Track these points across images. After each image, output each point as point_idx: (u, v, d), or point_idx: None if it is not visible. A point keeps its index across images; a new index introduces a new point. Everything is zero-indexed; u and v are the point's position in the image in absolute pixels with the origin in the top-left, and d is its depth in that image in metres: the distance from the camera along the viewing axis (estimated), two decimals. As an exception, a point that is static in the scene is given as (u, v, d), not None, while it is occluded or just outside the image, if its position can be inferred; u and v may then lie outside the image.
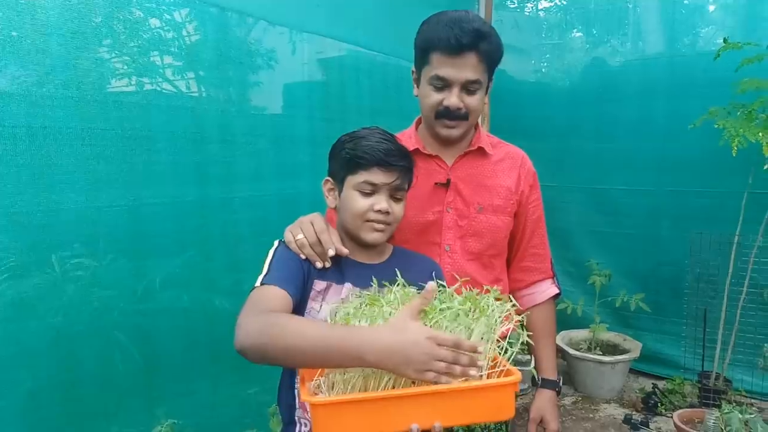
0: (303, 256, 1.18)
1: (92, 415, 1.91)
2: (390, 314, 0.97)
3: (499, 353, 1.02)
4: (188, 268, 2.21)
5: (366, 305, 1.02)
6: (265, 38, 2.47)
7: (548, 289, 1.62)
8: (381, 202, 1.17)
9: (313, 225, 1.19)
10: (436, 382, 0.91)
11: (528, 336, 1.60)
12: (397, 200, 1.21)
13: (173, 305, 2.17)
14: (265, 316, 1.01)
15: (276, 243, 1.22)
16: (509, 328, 1.04)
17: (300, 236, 1.18)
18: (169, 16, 2.11)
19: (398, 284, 1.09)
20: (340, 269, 1.22)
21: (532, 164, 1.58)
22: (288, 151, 2.57)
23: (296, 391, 1.20)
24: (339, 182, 1.23)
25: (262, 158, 2.46)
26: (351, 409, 0.90)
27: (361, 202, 1.17)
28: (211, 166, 2.22)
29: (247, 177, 2.40)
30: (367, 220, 1.18)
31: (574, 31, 3.98)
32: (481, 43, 1.31)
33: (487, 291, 1.04)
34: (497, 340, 1.00)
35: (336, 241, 1.19)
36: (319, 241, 1.17)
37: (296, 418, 1.21)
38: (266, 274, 1.14)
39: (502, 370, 0.99)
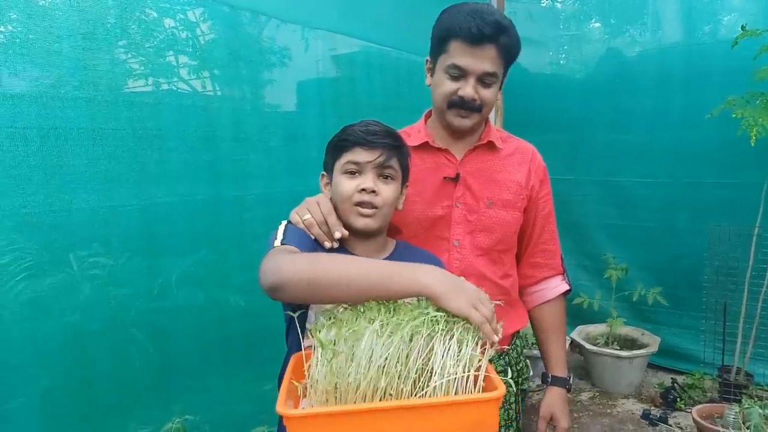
0: (311, 236, 1.17)
1: (109, 412, 1.93)
2: (384, 320, 0.93)
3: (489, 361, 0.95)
4: (202, 266, 2.23)
5: (361, 311, 0.98)
6: (277, 36, 2.47)
7: (558, 285, 1.60)
8: (367, 181, 1.16)
9: (319, 205, 1.19)
10: (476, 326, 0.91)
11: (537, 333, 1.61)
12: (385, 180, 1.19)
13: (188, 303, 2.19)
14: (303, 255, 1.03)
15: (283, 223, 1.20)
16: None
17: (307, 216, 1.17)
18: (182, 15, 2.12)
19: None
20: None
21: (542, 159, 1.55)
22: (300, 149, 2.57)
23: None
24: (329, 172, 1.23)
25: (275, 156, 2.47)
26: (325, 423, 0.85)
27: (347, 184, 1.17)
28: (223, 164, 2.23)
29: (259, 175, 2.41)
30: (356, 204, 1.16)
31: (592, 21, 3.93)
32: (501, 36, 1.30)
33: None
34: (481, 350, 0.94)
35: (339, 223, 1.19)
36: (326, 221, 1.17)
37: None
38: (282, 239, 1.12)
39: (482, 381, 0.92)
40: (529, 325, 1.61)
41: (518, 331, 1.57)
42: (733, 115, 2.64)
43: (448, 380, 0.90)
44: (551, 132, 3.87)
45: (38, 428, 1.72)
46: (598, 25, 3.91)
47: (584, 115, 3.77)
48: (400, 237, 1.37)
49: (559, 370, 1.56)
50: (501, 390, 0.89)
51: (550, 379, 1.56)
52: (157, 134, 1.93)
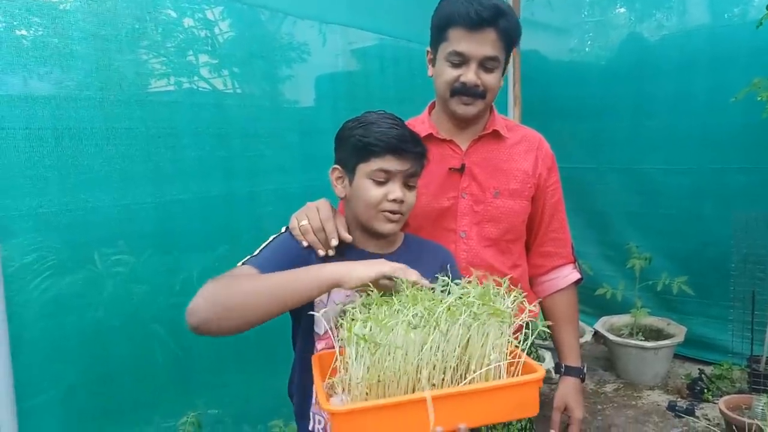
0: (305, 243, 1.16)
1: (133, 406, 1.98)
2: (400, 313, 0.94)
3: (517, 346, 0.99)
4: (223, 262, 2.26)
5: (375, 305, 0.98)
6: (292, 31, 2.49)
7: (570, 274, 1.58)
8: (396, 190, 1.13)
9: (318, 211, 1.18)
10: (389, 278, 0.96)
11: (549, 322, 1.59)
12: (410, 188, 1.18)
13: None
14: (214, 281, 1.04)
15: (282, 229, 1.21)
16: (523, 321, 1.00)
17: (304, 222, 1.16)
18: (199, 14, 2.15)
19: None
20: (344, 260, 1.15)
21: (549, 147, 1.52)
22: (317, 143, 2.58)
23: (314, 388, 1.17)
24: (350, 171, 1.18)
25: (294, 151, 2.49)
26: (372, 416, 0.87)
27: (375, 191, 1.13)
28: (238, 160, 2.25)
29: (275, 170, 2.43)
30: (382, 210, 1.14)
31: (617, 7, 3.85)
32: (500, 19, 1.29)
33: (499, 284, 1.01)
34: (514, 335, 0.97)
35: (341, 228, 1.17)
36: (323, 228, 1.15)
37: (310, 413, 1.19)
38: (254, 255, 1.14)
39: (521, 365, 0.97)
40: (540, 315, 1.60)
41: (529, 323, 1.55)
42: (758, 98, 2.57)
43: (488, 365, 0.93)
44: (572, 120, 3.82)
45: (63, 423, 1.77)
46: (623, 10, 3.83)
47: (606, 102, 3.70)
48: (407, 229, 1.36)
49: (573, 359, 1.54)
50: (541, 372, 0.93)
51: (563, 369, 1.54)
52: (171, 132, 1.96)
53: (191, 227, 2.10)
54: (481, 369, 0.93)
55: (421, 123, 1.46)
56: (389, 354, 0.90)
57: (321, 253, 1.15)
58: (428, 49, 1.42)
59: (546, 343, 3.08)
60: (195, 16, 2.16)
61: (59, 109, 1.64)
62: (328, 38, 2.66)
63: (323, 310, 1.13)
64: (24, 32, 1.70)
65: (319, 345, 1.17)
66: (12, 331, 1.60)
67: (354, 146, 1.15)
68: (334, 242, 1.14)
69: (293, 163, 2.49)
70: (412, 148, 1.14)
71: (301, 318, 1.18)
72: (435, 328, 0.92)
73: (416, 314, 0.93)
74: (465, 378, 0.94)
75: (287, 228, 1.20)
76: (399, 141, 1.12)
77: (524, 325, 1.01)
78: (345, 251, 1.18)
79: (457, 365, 0.93)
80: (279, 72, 2.47)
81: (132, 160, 1.82)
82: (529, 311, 0.99)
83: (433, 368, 0.92)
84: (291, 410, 2.27)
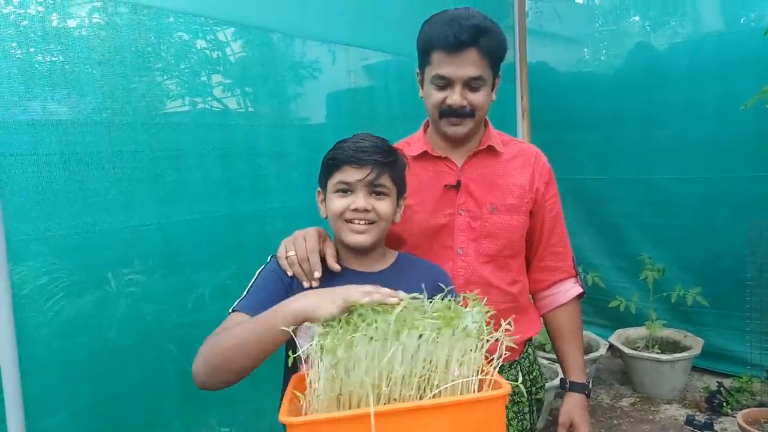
0: (291, 273, 1.18)
1: (147, 424, 1.99)
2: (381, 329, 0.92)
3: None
4: (234, 280, 2.28)
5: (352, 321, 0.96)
6: (301, 51, 2.53)
7: (572, 288, 1.56)
8: (357, 200, 1.15)
9: (306, 241, 1.19)
10: (366, 303, 0.92)
11: (552, 338, 1.58)
12: (379, 196, 1.17)
13: (220, 317, 2.25)
14: (207, 340, 1.08)
15: (269, 258, 1.23)
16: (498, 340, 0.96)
17: (291, 253, 1.18)
18: (212, 36, 2.20)
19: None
20: (332, 282, 1.16)
21: (546, 160, 1.52)
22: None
23: None
24: (324, 190, 1.23)
25: (302, 169, 2.51)
26: (329, 429, 0.86)
27: (338, 203, 1.16)
28: (246, 179, 2.28)
29: (283, 188, 2.45)
30: (347, 220, 1.16)
31: (631, 15, 3.85)
32: (481, 38, 1.29)
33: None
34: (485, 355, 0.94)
35: (330, 257, 1.18)
36: (308, 259, 1.16)
37: None
38: (243, 297, 1.17)
39: (492, 383, 0.93)
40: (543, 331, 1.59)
41: (530, 339, 1.55)
42: (767, 106, 2.54)
43: (453, 384, 0.90)
44: (582, 131, 3.81)
45: (74, 444, 1.79)
46: (637, 18, 3.82)
47: (616, 112, 3.69)
48: (404, 248, 1.37)
49: (578, 375, 1.52)
50: (506, 388, 0.89)
51: (568, 385, 1.52)
52: (175, 154, 2.00)
53: (201, 247, 2.12)
54: (445, 385, 0.90)
55: (416, 141, 1.48)
56: (350, 367, 0.89)
57: (305, 284, 1.17)
58: (417, 70, 1.44)
59: (553, 356, 3.05)
60: (207, 38, 2.21)
61: (68, 134, 1.69)
62: (338, 57, 2.69)
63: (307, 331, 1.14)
64: (40, 58, 1.76)
65: (305, 368, 1.18)
66: (25, 352, 1.63)
67: (324, 165, 1.21)
68: (317, 274, 1.16)
69: (303, 180, 2.51)
70: (368, 157, 1.15)
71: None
72: (394, 341, 0.90)
73: (375, 328, 0.91)
74: (427, 395, 0.91)
75: (273, 256, 1.23)
76: (355, 151, 1.15)
77: (500, 341, 0.95)
78: (336, 273, 1.19)
79: (419, 383, 0.91)
80: (289, 90, 2.50)
81: (138, 181, 1.86)
82: (505, 329, 0.95)
83: (394, 383, 0.90)
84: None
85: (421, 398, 0.91)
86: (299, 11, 2.42)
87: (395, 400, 0.90)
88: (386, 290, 0.95)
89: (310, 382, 0.93)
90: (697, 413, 3.07)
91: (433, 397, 0.90)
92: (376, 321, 0.93)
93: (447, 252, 1.41)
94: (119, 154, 1.81)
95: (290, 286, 1.18)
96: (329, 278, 1.18)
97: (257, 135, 2.37)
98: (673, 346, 3.39)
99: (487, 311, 0.97)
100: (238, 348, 1.01)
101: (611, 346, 3.49)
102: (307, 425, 0.87)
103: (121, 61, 1.85)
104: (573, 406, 1.49)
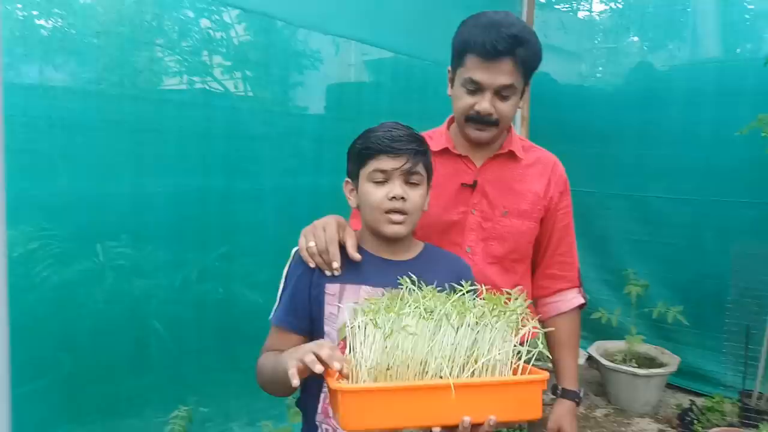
0: (313, 265, 1.19)
1: (127, 398, 1.99)
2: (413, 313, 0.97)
3: (520, 357, 1.00)
4: (223, 262, 2.28)
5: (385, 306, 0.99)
6: (305, 39, 2.53)
7: (574, 298, 1.58)
8: (395, 188, 1.15)
9: (325, 231, 1.19)
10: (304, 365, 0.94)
11: (549, 344, 1.60)
12: (413, 186, 1.18)
13: (206, 299, 2.25)
14: (259, 365, 1.20)
15: (293, 253, 1.24)
16: (529, 333, 1.01)
17: (311, 244, 1.18)
18: (217, 16, 2.20)
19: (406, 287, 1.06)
20: (359, 269, 1.20)
21: (564, 170, 1.54)
22: (323, 149, 2.60)
23: (323, 394, 1.19)
24: (355, 179, 1.22)
25: (299, 155, 2.52)
26: (374, 398, 0.90)
27: (376, 192, 1.16)
28: (248, 161, 2.29)
29: (281, 173, 2.45)
30: (386, 212, 1.16)
31: (629, 35, 3.91)
32: (518, 48, 1.28)
33: (508, 295, 1.03)
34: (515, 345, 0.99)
35: (350, 246, 1.18)
36: (327, 249, 1.17)
37: (317, 423, 1.21)
38: (277, 305, 1.23)
39: (528, 371, 0.99)
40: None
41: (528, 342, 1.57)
42: (763, 134, 2.60)
43: (493, 366, 0.96)
44: (576, 143, 3.82)
45: (56, 410, 1.78)
46: (636, 39, 3.88)
47: (612, 128, 3.74)
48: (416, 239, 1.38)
49: (570, 382, 1.54)
50: (545, 374, 0.96)
51: (560, 392, 1.54)
52: (179, 129, 2.01)
53: (190, 226, 2.12)
54: (487, 368, 0.96)
55: (439, 136, 1.48)
56: (401, 341, 0.93)
57: (327, 273, 1.18)
58: (449, 67, 1.43)
59: (549, 365, 3.08)
60: (212, 18, 2.20)
61: (71, 101, 1.68)
62: (340, 49, 2.70)
63: (337, 309, 1.17)
64: (42, 22, 1.74)
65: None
66: (12, 316, 1.61)
67: (355, 154, 1.21)
68: (336, 264, 1.17)
69: (299, 166, 2.51)
70: (405, 146, 1.15)
71: (313, 334, 1.21)
72: (446, 321, 0.95)
73: (427, 308, 0.97)
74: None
75: (296, 251, 1.23)
76: (391, 140, 1.15)
77: (527, 341, 1.01)
78: (363, 259, 1.20)
79: (463, 364, 0.95)
80: (290, 78, 2.50)
81: (138, 154, 1.85)
82: (533, 327, 1.00)
83: (441, 361, 0.94)
84: (281, 412, 2.29)
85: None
86: (303, 1, 2.42)
87: (440, 377, 0.94)
88: (338, 356, 0.95)
89: (353, 355, 0.96)
90: (669, 429, 3.12)
91: (472, 375, 0.95)
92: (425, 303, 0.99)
93: (455, 249, 1.42)
94: (123, 124, 1.80)
95: (315, 278, 1.20)
96: (354, 266, 1.19)
97: (255, 119, 2.37)
98: (649, 362, 3.44)
99: (527, 305, 1.03)
100: (272, 381, 1.13)
101: (590, 357, 3.54)
102: (358, 393, 0.90)
103: (122, 33, 1.84)
104: (563, 413, 1.51)
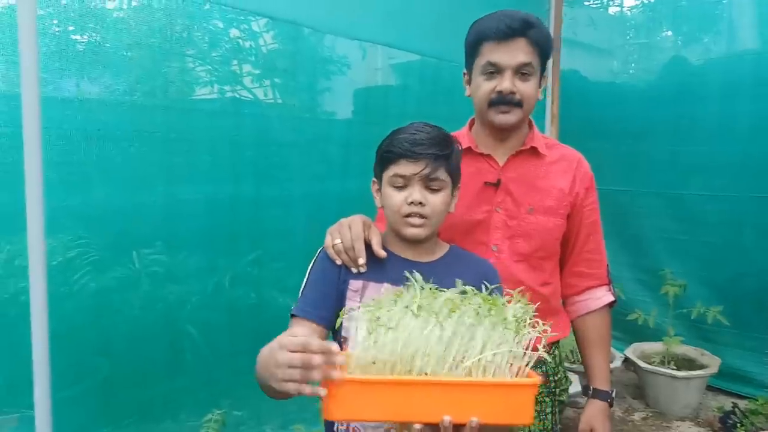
0: (339, 262, 1.21)
1: (162, 401, 2.04)
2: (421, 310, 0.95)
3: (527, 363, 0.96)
4: (254, 267, 2.32)
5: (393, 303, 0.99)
6: (332, 45, 2.55)
7: (603, 296, 1.56)
8: (414, 193, 1.15)
9: (350, 229, 1.21)
10: (300, 393, 0.88)
11: (580, 344, 1.58)
12: (433, 191, 1.18)
13: (239, 304, 2.28)
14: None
15: (319, 250, 1.25)
16: (540, 339, 0.96)
17: (337, 241, 1.20)
18: (246, 26, 2.24)
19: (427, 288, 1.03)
20: (382, 267, 1.21)
21: (589, 167, 1.52)
22: (351, 154, 2.62)
23: None
24: (379, 181, 1.24)
25: (328, 160, 2.54)
26: (355, 390, 0.90)
27: (396, 197, 1.17)
28: (278, 168, 2.32)
29: (311, 178, 2.48)
30: (405, 216, 1.17)
31: (662, 30, 3.82)
32: (529, 30, 1.34)
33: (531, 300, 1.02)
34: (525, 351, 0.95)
35: (375, 243, 1.20)
36: (353, 247, 1.19)
37: (335, 428, 1.23)
38: (300, 297, 1.23)
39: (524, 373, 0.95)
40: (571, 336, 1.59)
41: (557, 341, 1.55)
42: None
43: (484, 368, 0.93)
44: (609, 141, 3.78)
45: (94, 414, 1.83)
46: (669, 33, 3.79)
47: (646, 125, 3.65)
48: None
49: (602, 382, 1.52)
50: (537, 378, 0.92)
51: (591, 392, 1.52)
52: (210, 138, 2.05)
53: (222, 232, 2.15)
54: (481, 368, 0.93)
55: (461, 137, 1.47)
56: (384, 336, 0.93)
57: (354, 270, 1.20)
58: (464, 71, 1.46)
59: (574, 366, 3.03)
60: (241, 28, 2.24)
61: (105, 113, 1.73)
62: (367, 54, 2.71)
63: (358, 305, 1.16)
64: (77, 37, 1.80)
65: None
66: (51, 323, 1.67)
67: (379, 157, 1.22)
68: (361, 261, 1.18)
69: (327, 172, 2.54)
70: (424, 151, 1.14)
71: (333, 329, 1.23)
72: (435, 319, 0.94)
73: (419, 305, 0.95)
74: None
75: (322, 249, 1.25)
76: (411, 144, 1.15)
77: (542, 345, 0.98)
78: (386, 259, 1.21)
79: (453, 363, 0.93)
80: (317, 85, 2.53)
81: (170, 163, 1.90)
82: (542, 330, 0.96)
83: (429, 358, 0.92)
84: (313, 415, 2.31)
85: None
86: (330, 7, 2.45)
87: (426, 374, 0.92)
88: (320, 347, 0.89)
89: (347, 348, 0.96)
90: (710, 433, 3.03)
91: (467, 373, 0.93)
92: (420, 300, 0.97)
93: (481, 248, 1.42)
94: (157, 135, 1.85)
95: (341, 275, 1.21)
96: (378, 265, 1.21)
97: (284, 126, 2.40)
98: (689, 364, 3.34)
99: (530, 309, 0.99)
100: (264, 387, 0.99)
101: (626, 359, 3.46)
102: (342, 384, 0.89)
103: (153, 45, 1.89)
104: (595, 413, 1.49)
